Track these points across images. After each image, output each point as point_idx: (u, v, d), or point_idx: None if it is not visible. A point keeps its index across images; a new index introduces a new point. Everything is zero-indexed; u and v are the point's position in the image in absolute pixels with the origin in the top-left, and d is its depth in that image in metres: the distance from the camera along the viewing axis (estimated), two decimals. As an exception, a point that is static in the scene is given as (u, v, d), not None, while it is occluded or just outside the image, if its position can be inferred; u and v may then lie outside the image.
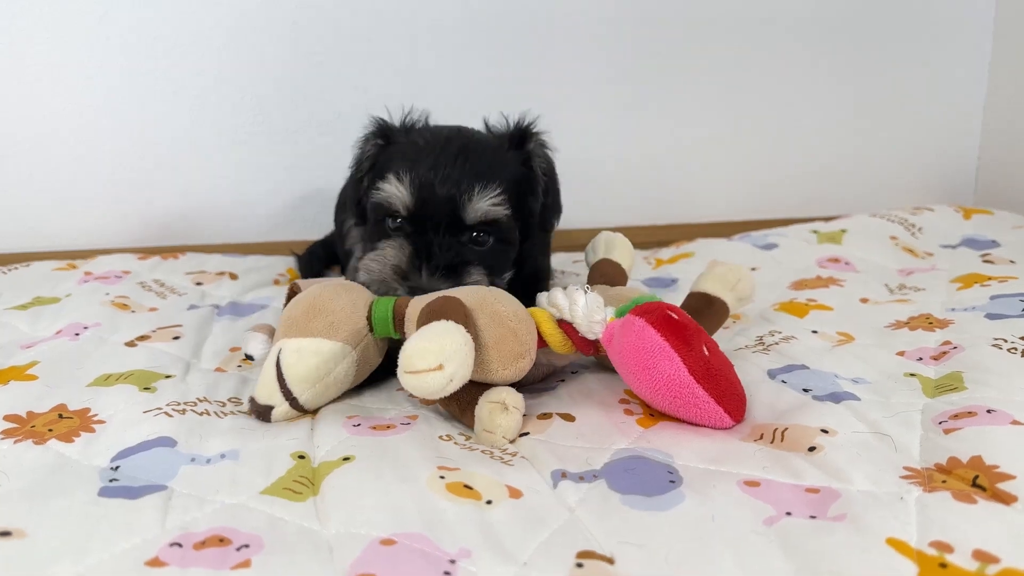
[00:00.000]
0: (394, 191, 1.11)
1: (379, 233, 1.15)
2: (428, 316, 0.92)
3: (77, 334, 1.25)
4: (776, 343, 1.19)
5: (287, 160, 1.87)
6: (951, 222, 1.80)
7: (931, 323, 1.24)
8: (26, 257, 1.70)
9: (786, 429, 0.91)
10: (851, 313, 1.33)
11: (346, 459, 0.86)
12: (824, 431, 0.90)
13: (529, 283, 1.23)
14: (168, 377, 1.10)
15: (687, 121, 2.01)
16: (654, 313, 0.95)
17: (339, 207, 1.59)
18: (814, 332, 1.23)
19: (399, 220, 1.12)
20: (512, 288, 1.10)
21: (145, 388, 1.05)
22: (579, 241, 1.86)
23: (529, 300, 1.05)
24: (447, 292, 1.00)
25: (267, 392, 0.98)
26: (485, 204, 1.10)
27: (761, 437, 0.91)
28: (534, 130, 1.23)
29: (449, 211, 1.10)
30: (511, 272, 1.19)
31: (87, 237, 1.82)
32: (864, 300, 1.40)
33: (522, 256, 1.23)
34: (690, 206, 2.04)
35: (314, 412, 1.02)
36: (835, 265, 1.61)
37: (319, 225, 1.77)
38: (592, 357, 1.12)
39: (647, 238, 1.87)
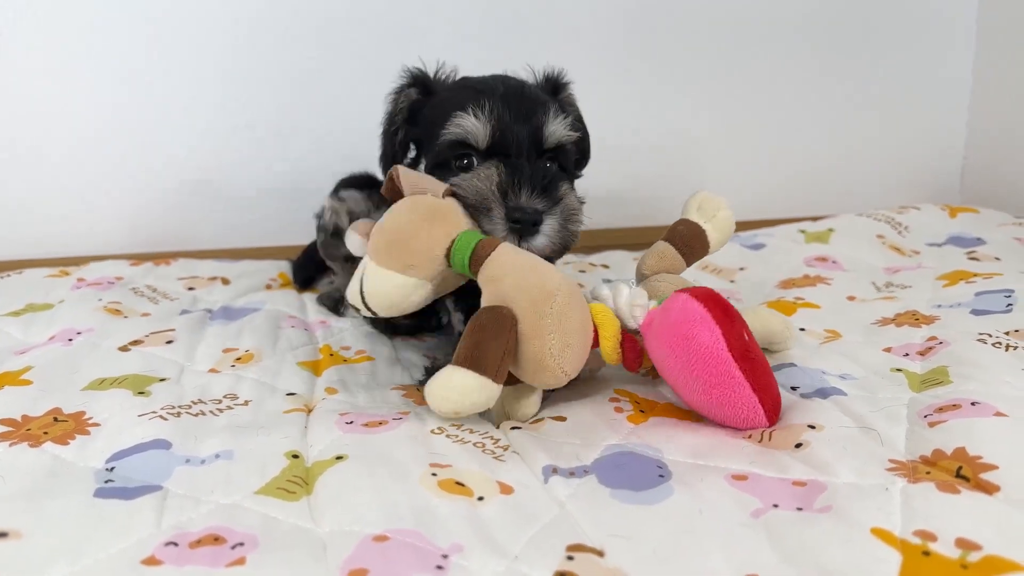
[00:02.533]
0: (472, 124, 1.10)
1: (443, 173, 1.12)
2: (469, 347, 0.94)
3: (70, 339, 1.26)
4: (764, 341, 1.20)
5: (279, 165, 1.88)
6: (937, 220, 1.82)
7: (917, 319, 1.25)
8: (18, 264, 1.71)
9: (773, 429, 0.92)
10: (838, 311, 1.35)
11: (339, 458, 0.87)
12: (811, 427, 0.91)
13: None
14: (162, 380, 1.11)
15: (675, 124, 2.03)
16: (699, 289, 0.96)
17: None
18: (802, 330, 1.25)
19: (468, 159, 1.12)
20: None
21: (140, 392, 1.06)
22: (569, 243, 1.88)
23: None
24: (519, 289, 0.97)
25: (354, 298, 1.03)
26: (561, 128, 1.13)
27: (749, 436, 0.92)
28: (563, 80, 1.27)
29: (530, 137, 1.11)
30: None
31: (79, 244, 1.83)
32: (851, 298, 1.42)
33: None
34: (677, 207, 2.04)
35: (308, 409, 1.04)
36: (822, 264, 1.63)
37: (310, 231, 1.77)
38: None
39: (636, 239, 1.87)
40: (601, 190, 2.02)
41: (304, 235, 1.77)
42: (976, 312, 1.24)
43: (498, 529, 0.74)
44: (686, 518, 0.75)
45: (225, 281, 1.60)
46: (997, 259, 1.55)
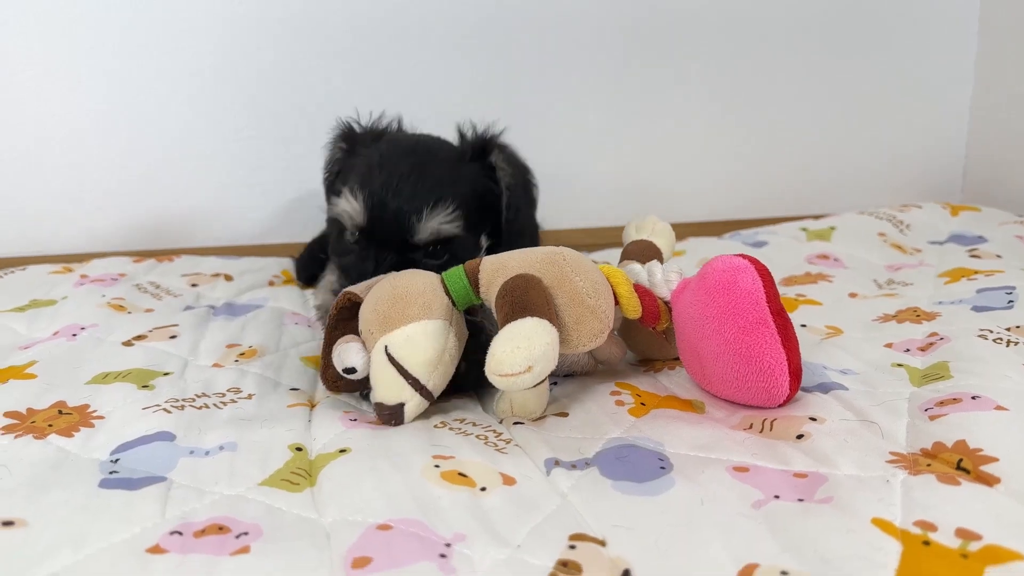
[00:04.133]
0: (347, 207, 1.11)
1: (340, 244, 1.16)
2: (511, 305, 0.92)
3: (74, 335, 1.26)
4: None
5: (280, 163, 1.88)
6: (939, 219, 1.82)
7: (918, 316, 1.25)
8: (21, 261, 1.71)
9: (775, 419, 0.93)
10: (840, 307, 1.35)
11: (342, 451, 0.87)
12: (812, 419, 0.91)
13: None
14: (166, 374, 1.11)
15: (676, 121, 2.03)
16: (741, 255, 0.96)
17: None
18: (803, 326, 1.25)
19: (353, 235, 1.13)
20: None
21: (144, 386, 1.06)
22: (571, 241, 1.87)
23: None
24: (526, 262, 0.98)
25: (393, 392, 0.95)
26: (435, 223, 1.10)
27: (751, 427, 0.92)
28: (498, 142, 1.21)
29: (400, 230, 1.10)
30: None
31: (82, 240, 1.83)
32: (853, 295, 1.42)
33: None
34: (680, 205, 2.05)
35: (312, 404, 1.04)
36: (824, 262, 1.63)
37: (312, 228, 1.78)
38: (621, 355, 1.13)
39: (638, 237, 1.88)
40: (601, 187, 2.03)
41: (306, 233, 1.77)
42: (977, 309, 1.24)
43: (500, 519, 0.74)
44: (688, 509, 0.76)
45: (228, 278, 1.61)
46: (998, 256, 1.55)
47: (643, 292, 1.03)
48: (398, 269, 1.07)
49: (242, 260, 1.73)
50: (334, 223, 1.17)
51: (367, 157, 1.16)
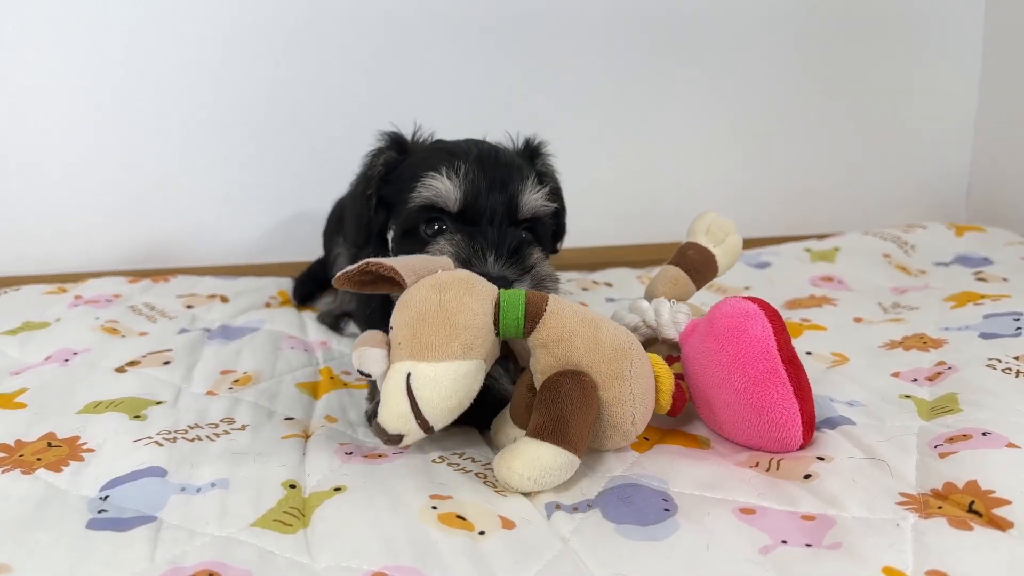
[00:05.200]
0: (443, 186, 1.06)
1: (412, 242, 1.09)
2: (554, 422, 0.85)
3: (67, 360, 1.24)
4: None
5: (279, 181, 1.87)
6: (943, 239, 1.81)
7: (925, 343, 1.23)
8: (16, 281, 1.69)
9: (781, 459, 0.91)
10: (845, 333, 1.33)
11: (337, 489, 0.85)
12: (820, 458, 0.89)
13: None
14: (159, 403, 1.09)
15: (680, 141, 2.02)
16: (750, 297, 0.93)
17: (328, 233, 1.58)
18: (808, 353, 1.23)
19: (438, 224, 1.07)
20: None
21: (136, 416, 1.04)
22: (571, 260, 1.87)
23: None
24: (595, 345, 0.89)
25: (398, 423, 0.86)
26: (537, 199, 1.09)
27: (757, 465, 0.90)
28: (543, 150, 1.23)
29: (505, 205, 1.06)
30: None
31: (77, 260, 1.81)
32: (858, 319, 1.40)
33: None
34: (682, 225, 2.02)
35: (307, 435, 1.02)
36: (828, 284, 1.61)
37: (311, 247, 1.76)
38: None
39: (640, 256, 1.86)
40: (604, 207, 2.01)
41: (303, 252, 1.76)
42: (984, 336, 1.22)
43: (499, 566, 0.72)
44: (693, 554, 0.74)
45: (224, 299, 1.58)
46: (1005, 280, 1.53)
47: (677, 387, 0.97)
48: (507, 239, 1.03)
49: (239, 280, 1.70)
50: (412, 214, 1.08)
51: (433, 152, 1.13)
